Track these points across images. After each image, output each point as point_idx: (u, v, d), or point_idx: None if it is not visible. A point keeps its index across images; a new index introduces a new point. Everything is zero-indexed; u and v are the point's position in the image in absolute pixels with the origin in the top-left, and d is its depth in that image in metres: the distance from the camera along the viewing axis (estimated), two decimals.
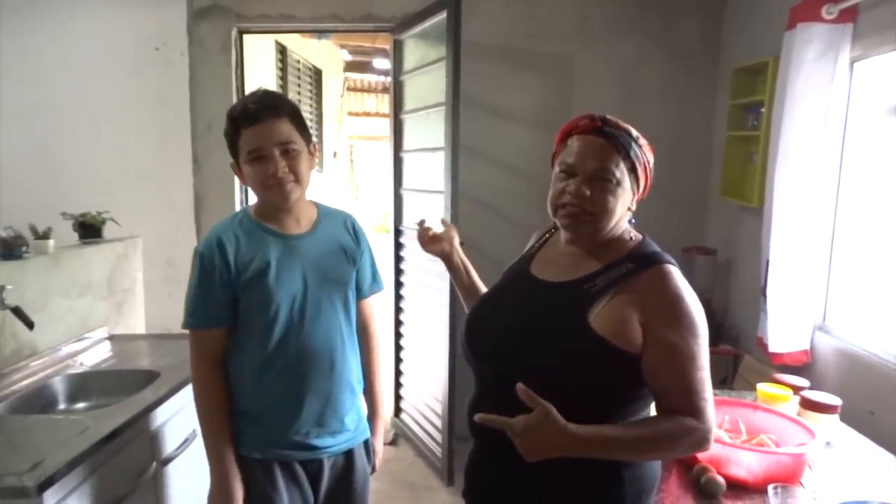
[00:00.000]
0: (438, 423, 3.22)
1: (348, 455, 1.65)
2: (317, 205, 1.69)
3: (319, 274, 1.57)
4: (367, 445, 1.73)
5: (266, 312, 1.51)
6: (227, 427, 1.54)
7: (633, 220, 1.28)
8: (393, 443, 3.62)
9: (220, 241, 1.51)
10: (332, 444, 1.60)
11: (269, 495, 1.53)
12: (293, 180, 1.50)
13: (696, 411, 1.10)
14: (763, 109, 2.83)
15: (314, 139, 1.62)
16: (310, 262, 1.56)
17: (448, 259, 1.57)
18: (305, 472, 1.59)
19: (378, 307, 1.85)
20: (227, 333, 1.55)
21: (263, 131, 1.46)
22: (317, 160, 1.63)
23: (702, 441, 1.11)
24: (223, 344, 1.55)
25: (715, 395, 1.97)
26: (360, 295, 1.72)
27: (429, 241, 1.57)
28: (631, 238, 1.26)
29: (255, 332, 1.53)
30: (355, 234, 1.70)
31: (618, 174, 1.18)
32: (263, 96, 1.52)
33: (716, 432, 1.61)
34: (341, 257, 1.63)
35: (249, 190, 3.60)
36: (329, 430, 1.59)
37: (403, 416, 3.70)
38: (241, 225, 1.56)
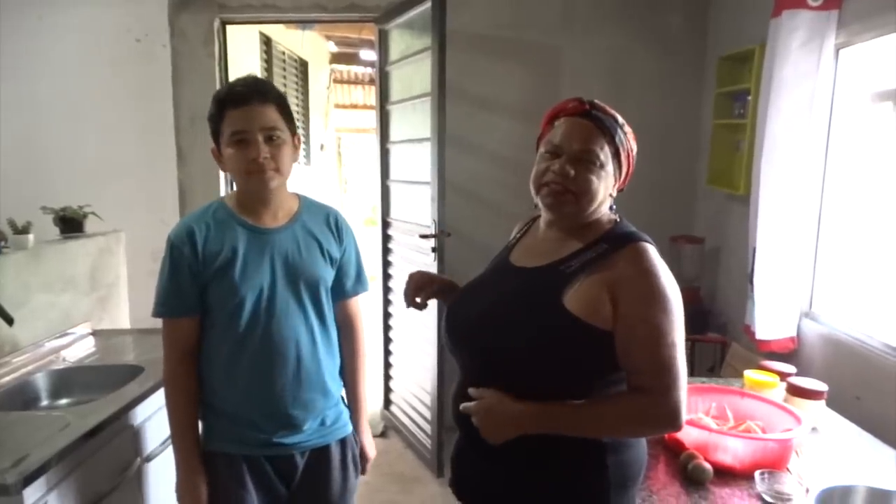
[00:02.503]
0: (427, 414, 3.22)
1: (324, 451, 1.61)
2: (300, 198, 1.64)
3: (289, 270, 1.53)
4: (346, 442, 1.67)
5: (230, 305, 1.48)
6: (193, 421, 1.53)
7: (614, 207, 1.29)
8: (382, 434, 3.61)
9: (191, 231, 1.49)
10: (302, 440, 1.56)
11: (234, 490, 1.51)
12: (274, 168, 1.47)
13: (662, 388, 1.10)
14: (749, 97, 2.83)
15: (299, 131, 1.58)
16: (280, 257, 1.52)
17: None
18: (276, 469, 1.55)
19: (365, 304, 1.79)
20: (199, 325, 1.52)
21: (249, 114, 1.44)
22: (300, 153, 1.60)
23: (668, 418, 1.11)
24: (194, 335, 1.52)
25: (702, 382, 1.99)
26: (342, 294, 1.66)
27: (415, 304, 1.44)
28: (609, 220, 1.26)
29: (221, 324, 1.51)
30: (338, 231, 1.64)
31: (602, 157, 1.19)
32: (252, 81, 1.52)
33: (688, 416, 1.62)
34: (316, 254, 1.57)
35: (234, 184, 3.60)
36: (297, 430, 1.55)
37: (393, 407, 3.70)
38: (215, 215, 1.53)
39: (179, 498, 1.53)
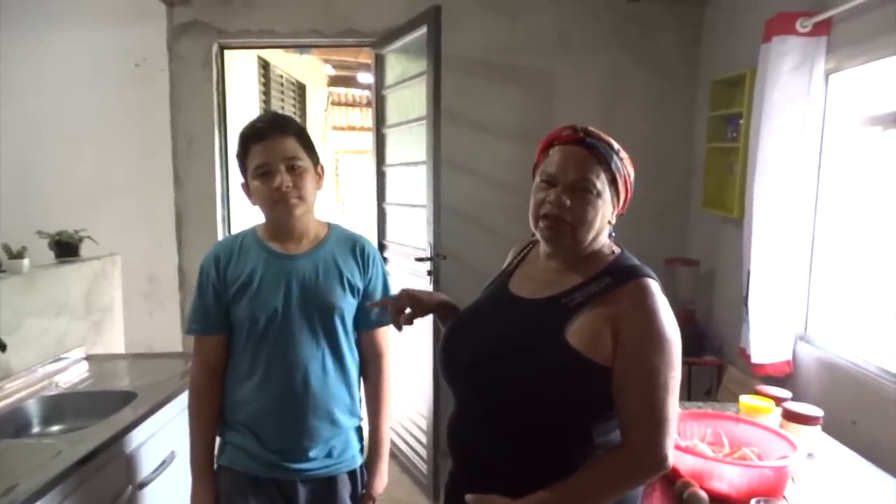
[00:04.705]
0: (423, 438, 3.19)
1: (330, 482, 1.61)
2: (330, 226, 1.68)
3: (305, 296, 1.56)
4: (355, 476, 1.67)
5: (245, 326, 1.56)
6: (210, 435, 1.61)
7: (614, 234, 1.28)
8: None
9: (217, 256, 1.60)
10: (305, 468, 1.58)
11: (235, 502, 1.55)
12: (297, 196, 1.53)
13: (646, 439, 1.10)
14: (741, 121, 2.85)
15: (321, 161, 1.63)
16: (297, 283, 1.56)
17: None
18: (281, 493, 1.57)
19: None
20: (225, 343, 1.61)
21: (270, 147, 1.52)
22: (323, 181, 1.67)
23: (653, 468, 1.11)
24: (220, 353, 1.60)
25: (698, 407, 1.98)
26: (366, 325, 1.67)
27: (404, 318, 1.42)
28: (612, 252, 1.25)
29: (239, 344, 1.58)
30: (363, 260, 1.65)
31: (598, 185, 1.18)
32: (271, 116, 1.62)
33: (683, 442, 1.62)
34: (334, 282, 1.59)
35: (231, 207, 3.62)
36: (300, 457, 1.57)
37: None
38: (243, 241, 1.62)
39: None
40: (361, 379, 1.72)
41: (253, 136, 1.53)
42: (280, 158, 1.51)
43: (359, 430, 1.70)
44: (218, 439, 1.64)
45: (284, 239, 1.60)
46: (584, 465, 1.15)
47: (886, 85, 2.22)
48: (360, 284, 1.64)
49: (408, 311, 1.41)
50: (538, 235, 1.24)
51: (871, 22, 2.16)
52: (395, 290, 1.73)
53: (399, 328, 1.42)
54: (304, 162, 1.55)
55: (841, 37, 2.33)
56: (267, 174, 1.51)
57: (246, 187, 1.59)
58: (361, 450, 1.71)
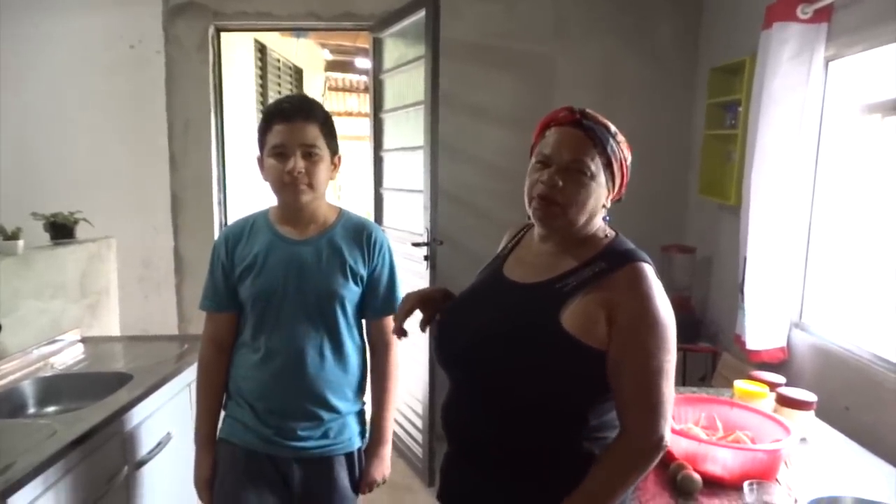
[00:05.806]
0: (419, 422, 3.20)
1: (326, 462, 1.62)
2: (341, 212, 1.68)
3: (303, 281, 1.56)
4: (353, 458, 1.67)
5: (247, 306, 1.61)
6: (213, 408, 1.66)
7: (608, 219, 1.28)
8: None
9: (228, 236, 1.65)
10: (298, 446, 1.59)
11: (231, 479, 1.58)
12: (307, 183, 1.54)
13: (643, 424, 1.10)
14: (740, 108, 2.85)
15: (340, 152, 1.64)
16: (296, 268, 1.57)
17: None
18: (277, 469, 1.59)
19: None
20: (233, 321, 1.65)
21: (291, 130, 1.53)
22: (339, 171, 1.67)
23: (653, 452, 1.11)
24: (229, 330, 1.65)
25: (693, 392, 1.99)
26: (371, 313, 1.68)
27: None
28: (606, 236, 1.25)
29: (243, 323, 1.63)
30: (369, 248, 1.64)
31: (593, 167, 1.17)
32: (299, 99, 1.64)
33: (677, 426, 1.63)
34: (335, 269, 1.59)
35: (228, 191, 3.60)
36: (292, 435, 1.58)
37: None
38: (255, 223, 1.65)
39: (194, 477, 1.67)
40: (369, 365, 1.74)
41: (277, 114, 1.54)
42: (298, 143, 1.52)
43: (360, 413, 1.70)
44: (223, 412, 1.68)
45: (292, 223, 1.61)
46: (580, 447, 1.15)
47: (886, 72, 2.22)
48: (363, 272, 1.63)
49: (418, 314, 1.36)
50: (531, 216, 1.24)
51: (871, 9, 2.16)
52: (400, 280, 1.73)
53: (399, 336, 1.39)
54: (322, 151, 1.55)
55: (841, 24, 2.32)
56: (282, 156, 1.52)
57: (261, 161, 1.60)
58: (362, 433, 1.71)
